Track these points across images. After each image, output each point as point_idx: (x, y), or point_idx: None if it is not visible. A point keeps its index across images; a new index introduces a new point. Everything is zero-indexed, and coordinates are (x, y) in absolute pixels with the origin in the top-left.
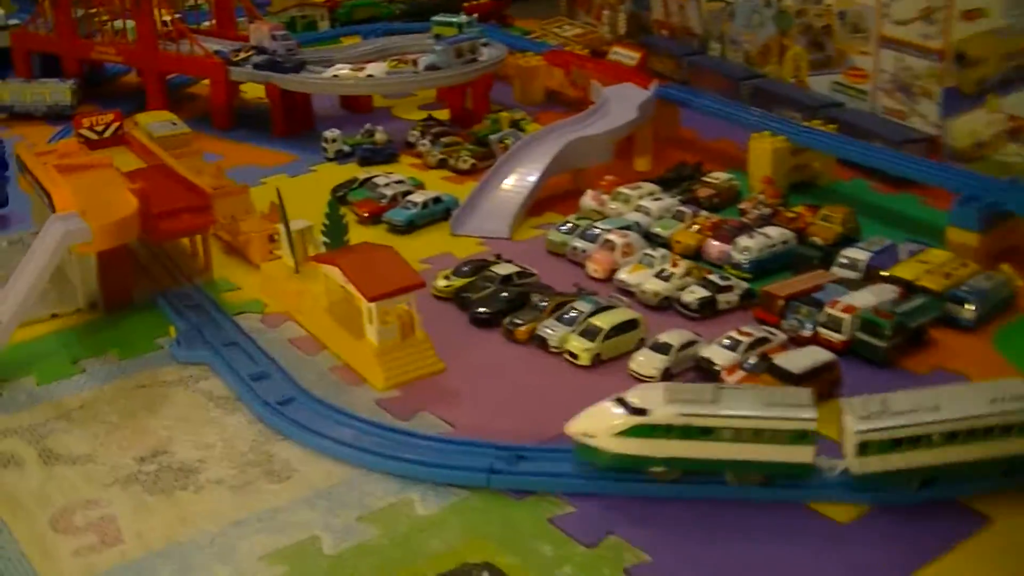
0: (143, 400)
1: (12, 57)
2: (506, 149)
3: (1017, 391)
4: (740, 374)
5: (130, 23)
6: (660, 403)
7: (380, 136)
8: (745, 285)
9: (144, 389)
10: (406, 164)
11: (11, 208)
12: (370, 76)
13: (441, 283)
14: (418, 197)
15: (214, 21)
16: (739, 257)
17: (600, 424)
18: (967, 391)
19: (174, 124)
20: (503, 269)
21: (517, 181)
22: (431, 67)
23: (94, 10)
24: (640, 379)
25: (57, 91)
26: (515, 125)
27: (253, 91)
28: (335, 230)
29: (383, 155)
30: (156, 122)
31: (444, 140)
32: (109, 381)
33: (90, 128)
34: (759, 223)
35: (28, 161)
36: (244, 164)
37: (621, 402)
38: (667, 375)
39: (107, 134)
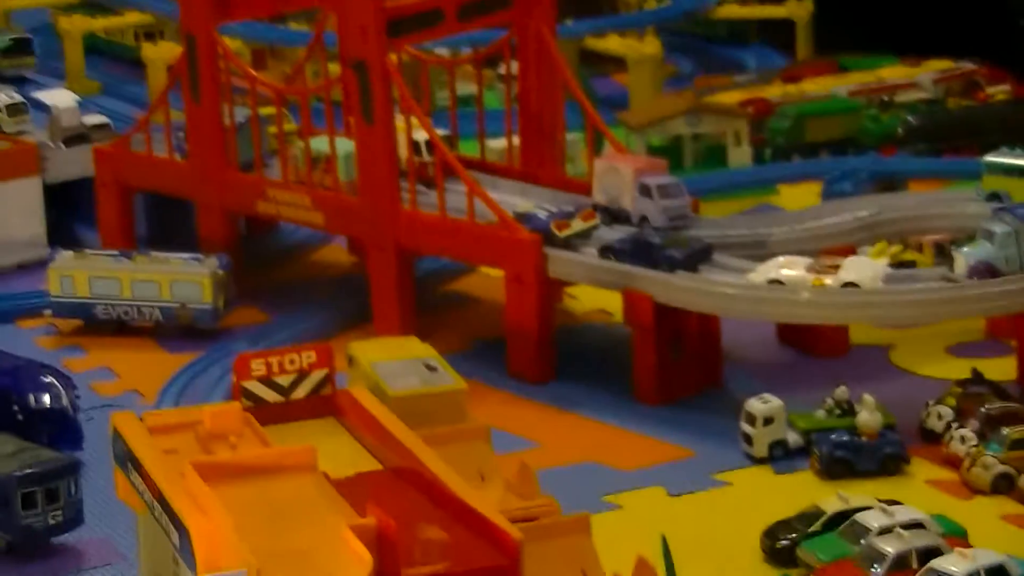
0: None
1: (96, 199)
2: None
3: None
4: None
5: (343, 145)
6: None
7: (868, 415)
8: None
9: None
10: (922, 479)
11: (89, 530)
12: (850, 286)
13: None
14: (956, 564)
15: (516, 144)
16: None
17: None
18: None
19: (430, 368)
20: None
21: None
22: (981, 269)
23: (266, 112)
24: None
25: (185, 279)
26: None
27: (596, 300)
28: None
29: (875, 456)
30: (391, 362)
31: (1011, 433)
32: None
33: (265, 379)
34: None
35: (136, 446)
36: (575, 461)
37: None
38: None
39: (300, 391)
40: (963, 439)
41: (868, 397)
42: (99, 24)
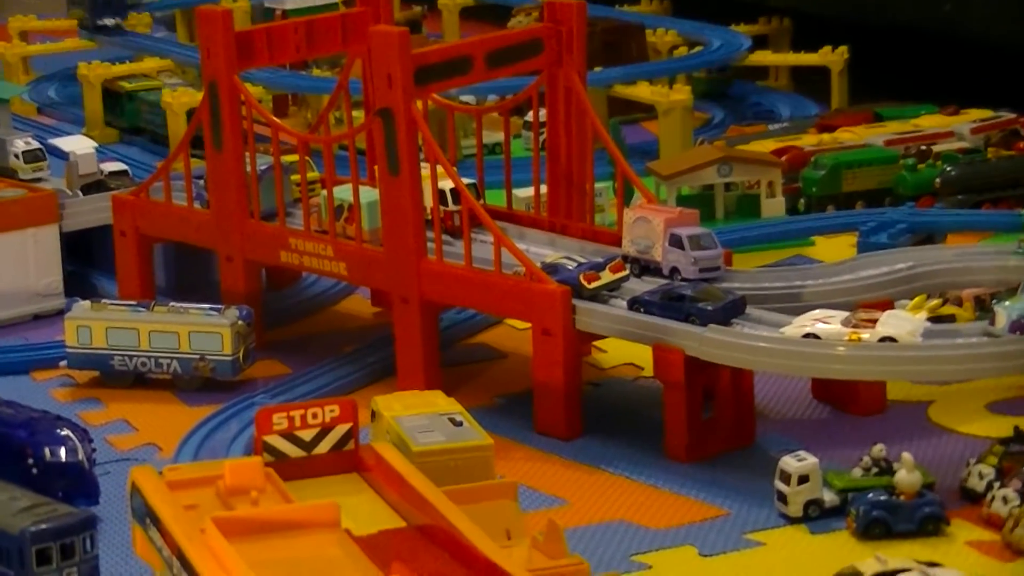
0: None
1: (114, 249)
2: None
3: None
4: None
5: (366, 194)
6: None
7: (906, 474)
8: None
9: None
10: (962, 541)
11: None
12: (887, 340)
13: None
14: None
15: (544, 193)
16: None
17: None
18: None
19: (456, 423)
20: None
21: None
22: (1023, 324)
23: (288, 160)
24: None
25: (205, 330)
26: None
27: (625, 354)
28: None
29: (914, 517)
30: (415, 416)
31: None
32: None
33: (287, 433)
34: None
35: (154, 501)
36: (604, 520)
37: None
38: None
39: (322, 446)
40: (1005, 499)
41: (907, 456)
42: (118, 71)
